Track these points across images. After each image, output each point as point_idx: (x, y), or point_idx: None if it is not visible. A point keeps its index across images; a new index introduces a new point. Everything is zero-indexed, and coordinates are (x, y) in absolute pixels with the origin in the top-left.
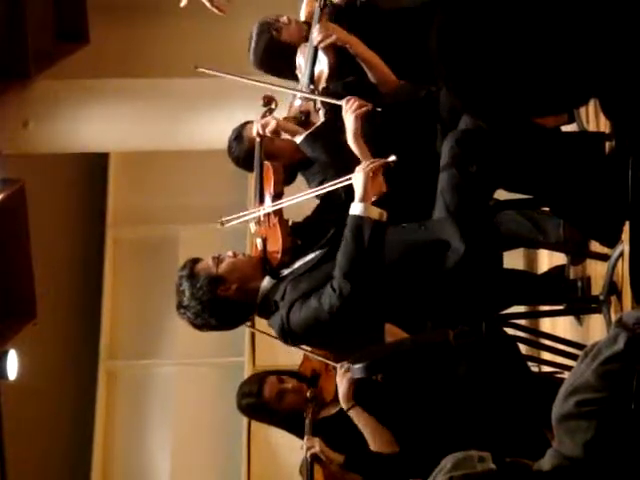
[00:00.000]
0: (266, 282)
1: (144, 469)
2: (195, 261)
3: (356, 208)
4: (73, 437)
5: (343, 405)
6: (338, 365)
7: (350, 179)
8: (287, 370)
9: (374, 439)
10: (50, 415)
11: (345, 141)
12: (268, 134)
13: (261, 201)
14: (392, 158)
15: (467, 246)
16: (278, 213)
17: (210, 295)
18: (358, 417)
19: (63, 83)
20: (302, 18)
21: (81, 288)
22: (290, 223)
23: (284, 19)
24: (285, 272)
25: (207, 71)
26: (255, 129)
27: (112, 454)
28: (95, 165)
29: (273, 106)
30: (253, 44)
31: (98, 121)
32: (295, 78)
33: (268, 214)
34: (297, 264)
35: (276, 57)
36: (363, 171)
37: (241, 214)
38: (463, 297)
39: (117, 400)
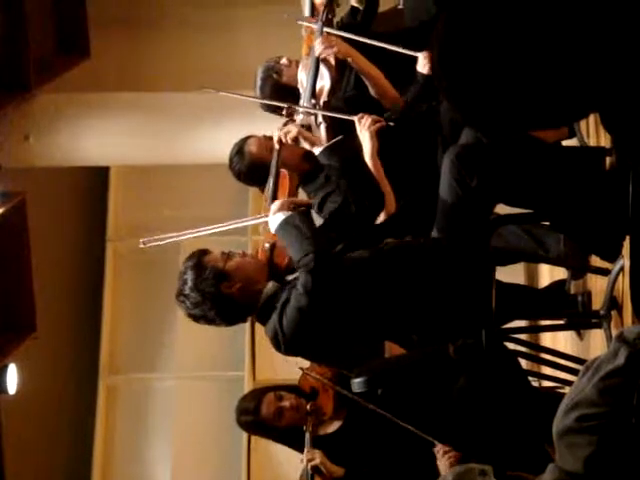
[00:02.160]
0: (270, 286)
1: None
2: (203, 252)
3: (275, 219)
4: (73, 451)
5: None
6: (437, 447)
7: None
8: (286, 385)
9: None
10: (50, 429)
11: (361, 157)
12: (289, 141)
13: None
14: (313, 201)
15: (461, 247)
16: None
17: (213, 289)
18: None
19: (64, 96)
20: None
21: (81, 301)
22: None
23: (284, 61)
24: (290, 278)
25: (213, 91)
26: (276, 136)
27: (112, 468)
28: (96, 178)
29: (295, 116)
30: (259, 90)
31: (99, 134)
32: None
33: None
34: None
35: (280, 99)
36: (279, 201)
37: (163, 237)
38: (459, 310)
39: (117, 414)
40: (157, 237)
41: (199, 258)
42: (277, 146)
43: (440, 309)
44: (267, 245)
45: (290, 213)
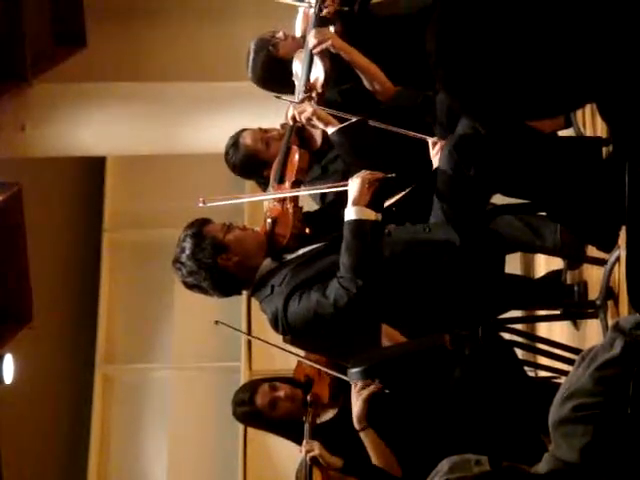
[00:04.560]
0: (267, 263)
1: (140, 474)
2: (204, 222)
3: (351, 212)
4: (69, 441)
5: (356, 425)
6: (353, 382)
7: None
8: (281, 376)
9: (380, 462)
10: (46, 419)
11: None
12: (303, 120)
13: (280, 182)
14: (392, 175)
15: (462, 237)
16: (294, 199)
17: (210, 260)
18: (368, 439)
19: (60, 87)
20: (298, 33)
21: (78, 292)
22: (303, 211)
23: (280, 35)
24: (288, 257)
25: (286, 98)
26: (290, 113)
27: (108, 458)
28: (92, 169)
29: (313, 94)
30: (251, 62)
31: (95, 125)
32: (293, 92)
33: (284, 197)
34: (301, 251)
35: (274, 73)
36: (360, 177)
37: (225, 197)
38: (464, 299)
39: (113, 404)
40: (218, 197)
41: (199, 227)
42: (291, 122)
43: (442, 300)
44: (269, 220)
45: (365, 217)
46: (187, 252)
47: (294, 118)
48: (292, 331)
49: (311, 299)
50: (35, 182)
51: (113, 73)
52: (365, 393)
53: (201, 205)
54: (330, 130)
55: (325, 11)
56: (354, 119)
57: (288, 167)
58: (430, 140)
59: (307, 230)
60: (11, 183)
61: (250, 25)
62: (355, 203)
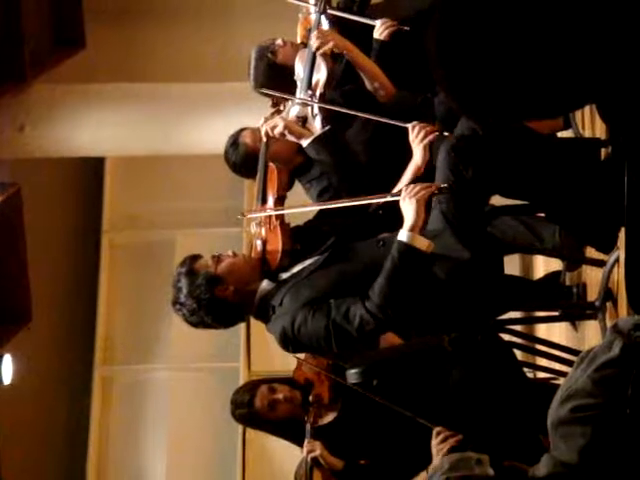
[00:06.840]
0: (264, 285)
1: (139, 474)
2: (194, 258)
3: (404, 236)
4: (68, 442)
5: (430, 469)
6: (435, 430)
7: (385, 196)
8: (280, 378)
9: None
10: (45, 420)
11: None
12: (276, 135)
13: (264, 202)
14: (444, 185)
15: (472, 253)
16: (280, 216)
17: (208, 295)
18: None
19: (60, 87)
20: (298, 40)
21: (76, 293)
22: (290, 226)
23: (279, 42)
24: (284, 276)
25: (269, 91)
26: (263, 129)
27: (107, 458)
28: (91, 169)
29: (281, 107)
30: (252, 71)
31: (94, 126)
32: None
33: (270, 216)
34: (296, 268)
35: (275, 80)
36: (416, 199)
37: (260, 210)
38: (464, 303)
39: (112, 405)
40: (257, 209)
41: (190, 264)
42: (264, 139)
43: (440, 303)
44: (259, 242)
45: (418, 245)
46: (184, 292)
47: (267, 134)
48: (303, 348)
49: (331, 319)
50: (34, 183)
51: (112, 74)
52: (446, 448)
53: (239, 217)
54: (304, 142)
55: (385, 33)
56: (326, 128)
57: (269, 185)
58: (409, 125)
59: (298, 246)
60: (10, 184)
61: (249, 26)
62: (412, 229)
